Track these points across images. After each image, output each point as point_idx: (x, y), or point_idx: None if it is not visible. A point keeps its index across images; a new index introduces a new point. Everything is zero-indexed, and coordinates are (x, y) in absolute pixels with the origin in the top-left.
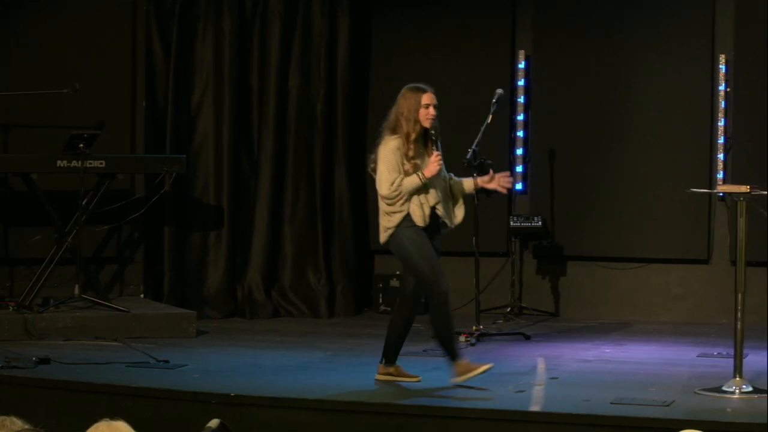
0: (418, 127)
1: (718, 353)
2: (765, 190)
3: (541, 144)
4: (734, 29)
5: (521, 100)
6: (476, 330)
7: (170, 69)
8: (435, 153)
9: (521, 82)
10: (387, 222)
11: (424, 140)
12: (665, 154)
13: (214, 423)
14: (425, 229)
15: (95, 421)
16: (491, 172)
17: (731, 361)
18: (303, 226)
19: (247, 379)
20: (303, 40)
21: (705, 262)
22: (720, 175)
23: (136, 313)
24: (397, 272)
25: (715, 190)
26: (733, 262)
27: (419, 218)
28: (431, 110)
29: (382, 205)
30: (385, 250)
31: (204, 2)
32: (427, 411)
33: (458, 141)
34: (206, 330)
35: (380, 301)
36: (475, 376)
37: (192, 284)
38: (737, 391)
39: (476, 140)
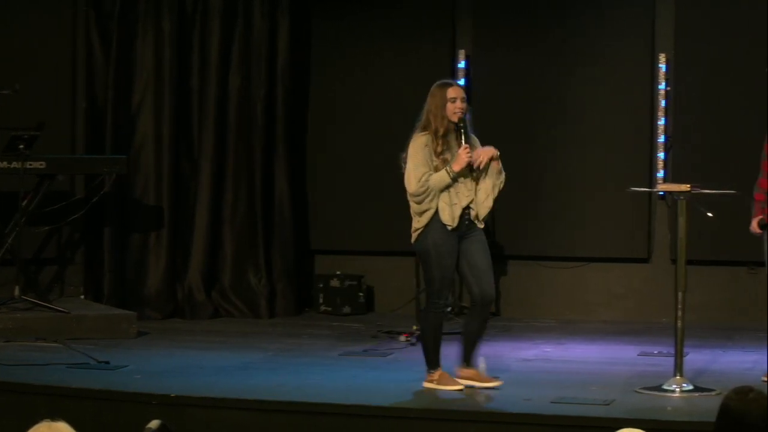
0: (445, 122)
1: (659, 352)
2: (706, 189)
3: (481, 143)
4: (674, 28)
5: None
6: (417, 329)
7: (110, 70)
8: (463, 146)
9: (461, 82)
10: (416, 223)
11: (457, 137)
12: (605, 153)
13: (154, 424)
14: (456, 229)
15: (35, 422)
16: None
17: (672, 359)
18: (243, 226)
19: (188, 380)
20: (243, 41)
21: (645, 261)
22: (660, 174)
23: (76, 314)
24: (337, 272)
25: (655, 189)
26: (674, 261)
27: (448, 217)
28: (458, 104)
29: (412, 206)
30: (327, 250)
31: (144, 2)
32: (368, 411)
33: (399, 140)
34: (147, 331)
35: (321, 301)
36: (443, 390)
37: (132, 285)
38: (678, 389)
39: None
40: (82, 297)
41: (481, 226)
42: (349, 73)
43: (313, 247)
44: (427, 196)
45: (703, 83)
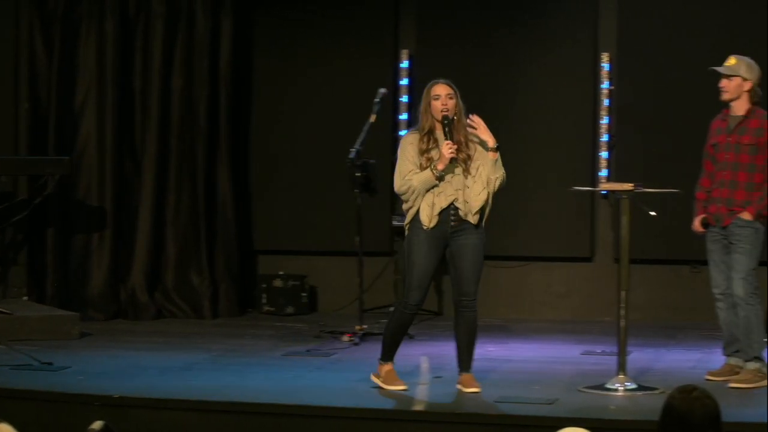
0: (430, 120)
1: (602, 351)
2: (648, 188)
3: None
4: (617, 27)
5: (404, 99)
6: (360, 329)
7: (53, 70)
8: (445, 142)
9: (404, 81)
10: (406, 220)
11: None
12: (548, 152)
13: (97, 425)
14: (438, 230)
15: None
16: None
17: (615, 358)
18: (186, 226)
19: (131, 381)
20: (185, 42)
21: (588, 260)
22: (603, 173)
23: (19, 315)
24: (280, 272)
25: (598, 188)
26: (617, 260)
27: (425, 218)
28: (442, 100)
29: (404, 204)
30: (270, 250)
31: (87, 3)
32: (311, 411)
33: (342, 140)
34: (90, 332)
35: (263, 301)
36: (387, 389)
37: (75, 286)
38: (621, 388)
39: (359, 140)
40: (25, 298)
41: (474, 221)
42: (292, 74)
43: (255, 247)
44: (412, 193)
45: (645, 82)
